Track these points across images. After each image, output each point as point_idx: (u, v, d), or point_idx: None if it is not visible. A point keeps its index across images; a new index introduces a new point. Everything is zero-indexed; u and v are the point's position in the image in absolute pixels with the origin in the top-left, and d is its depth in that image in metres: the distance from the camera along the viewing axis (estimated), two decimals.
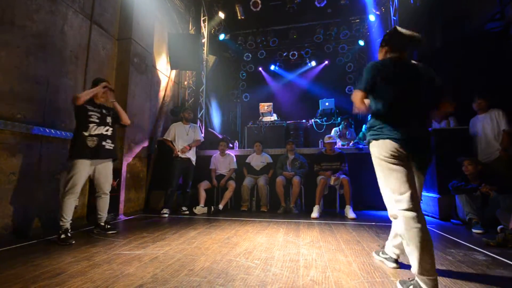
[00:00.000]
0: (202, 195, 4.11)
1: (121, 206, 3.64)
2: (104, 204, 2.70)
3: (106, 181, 2.67)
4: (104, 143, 2.57)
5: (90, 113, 2.54)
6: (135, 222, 3.29)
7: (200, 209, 3.94)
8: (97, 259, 1.87)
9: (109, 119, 2.69)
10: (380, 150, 1.49)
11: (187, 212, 3.91)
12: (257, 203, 4.36)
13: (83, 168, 2.45)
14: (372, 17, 6.19)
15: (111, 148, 2.66)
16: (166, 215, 3.68)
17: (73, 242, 2.28)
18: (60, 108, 3.03)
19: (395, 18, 5.22)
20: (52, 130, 2.85)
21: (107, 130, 2.63)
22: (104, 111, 2.68)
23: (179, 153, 3.98)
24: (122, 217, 3.53)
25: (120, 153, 3.73)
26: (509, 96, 3.80)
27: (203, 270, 1.66)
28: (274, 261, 1.84)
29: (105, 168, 2.65)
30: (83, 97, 2.45)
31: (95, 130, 2.53)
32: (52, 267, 1.71)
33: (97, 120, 2.56)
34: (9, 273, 1.62)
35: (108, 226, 2.70)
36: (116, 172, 3.53)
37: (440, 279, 1.53)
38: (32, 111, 2.72)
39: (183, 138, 4.08)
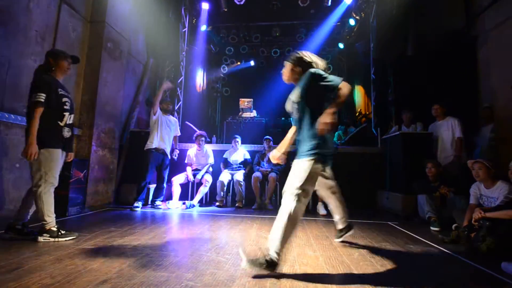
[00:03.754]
0: (177, 189, 4.03)
1: (88, 199, 3.46)
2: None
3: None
4: (72, 133, 2.24)
5: (65, 99, 2.13)
6: (103, 216, 3.15)
7: (174, 203, 3.86)
8: (58, 254, 1.77)
9: (73, 105, 2.29)
10: None
11: (161, 207, 3.82)
12: (232, 198, 4.36)
13: (59, 158, 2.12)
14: (352, 21, 6.38)
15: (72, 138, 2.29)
16: (138, 209, 3.57)
17: (74, 236, 2.09)
18: (22, 92, 2.81)
19: (373, 24, 5.42)
20: (12, 116, 2.64)
21: (71, 118, 2.25)
22: (70, 95, 2.24)
23: (156, 144, 3.84)
24: (88, 211, 3.37)
25: (88, 143, 3.54)
26: (469, 105, 4.12)
27: (172, 265, 1.64)
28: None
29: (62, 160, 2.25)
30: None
31: (69, 119, 2.18)
32: (8, 262, 1.59)
33: (69, 107, 2.17)
34: None
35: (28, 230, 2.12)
36: (83, 163, 3.36)
37: (397, 272, 1.64)
38: None
39: (162, 129, 3.91)
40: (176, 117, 5.44)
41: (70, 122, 2.20)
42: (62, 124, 2.11)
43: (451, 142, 3.60)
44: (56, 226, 2.07)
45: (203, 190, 4.09)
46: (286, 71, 1.88)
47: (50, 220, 2.05)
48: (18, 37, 2.77)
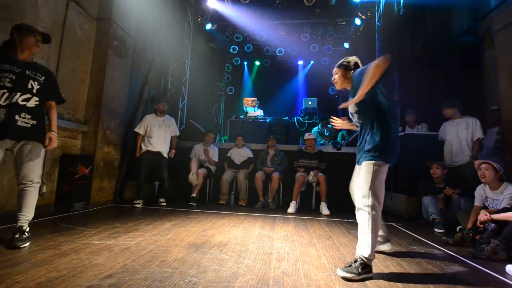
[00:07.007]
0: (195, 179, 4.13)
1: (93, 195, 3.50)
2: (24, 200, 1.86)
3: (28, 168, 1.86)
4: (17, 117, 1.80)
5: (3, 74, 1.77)
6: (107, 212, 3.19)
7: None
8: (64, 248, 1.80)
9: (34, 84, 1.88)
10: None
11: (164, 204, 3.84)
12: (235, 197, 4.38)
13: None
14: (357, 21, 6.34)
15: (28, 125, 1.85)
16: (139, 206, 3.61)
17: None
18: None
19: (379, 24, 5.38)
20: None
21: (26, 100, 1.84)
22: (28, 72, 1.87)
23: (149, 147, 3.86)
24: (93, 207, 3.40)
25: (93, 140, 3.57)
26: (476, 105, 4.07)
27: (175, 261, 1.65)
28: (248, 253, 1.87)
29: (29, 151, 1.87)
30: None
31: (5, 99, 1.78)
32: (14, 255, 1.62)
33: (9, 84, 1.78)
34: None
35: (18, 236, 1.78)
36: (89, 159, 3.39)
37: (401, 274, 1.63)
38: None
39: (157, 132, 3.90)
40: (179, 115, 5.46)
41: (12, 101, 1.79)
42: None
43: (469, 142, 3.39)
44: None
45: (198, 183, 4.13)
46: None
47: None
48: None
